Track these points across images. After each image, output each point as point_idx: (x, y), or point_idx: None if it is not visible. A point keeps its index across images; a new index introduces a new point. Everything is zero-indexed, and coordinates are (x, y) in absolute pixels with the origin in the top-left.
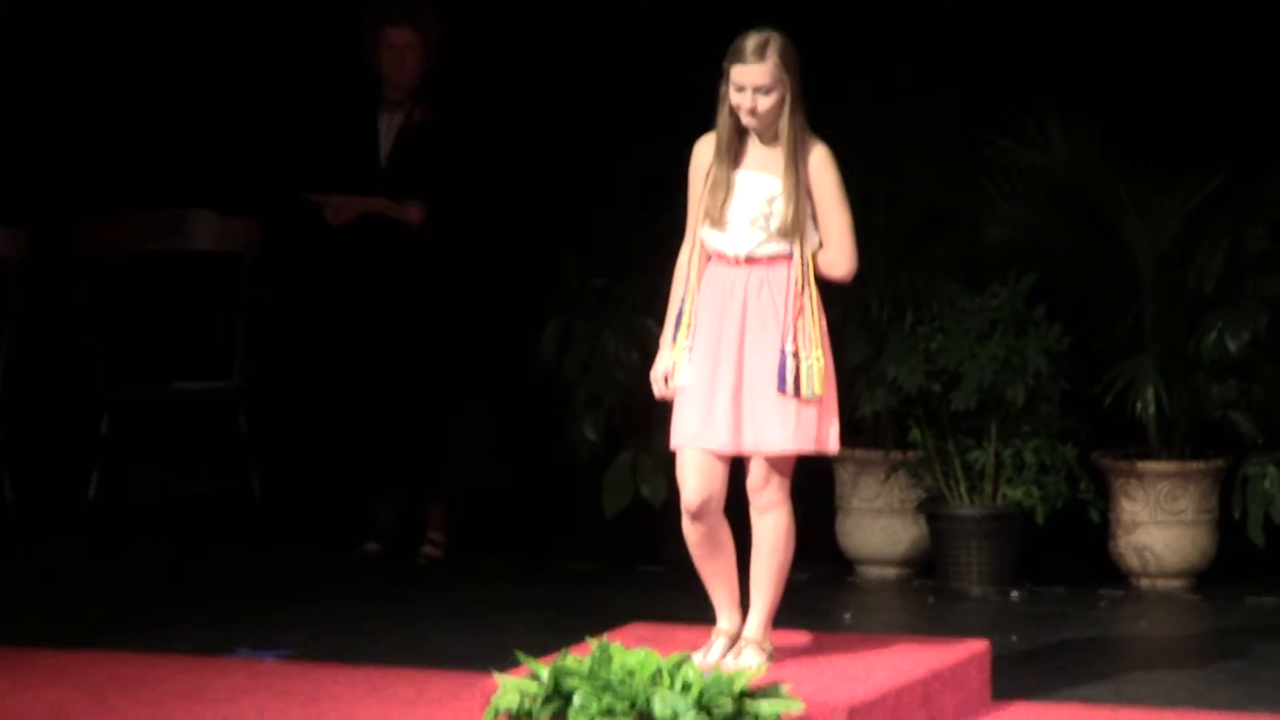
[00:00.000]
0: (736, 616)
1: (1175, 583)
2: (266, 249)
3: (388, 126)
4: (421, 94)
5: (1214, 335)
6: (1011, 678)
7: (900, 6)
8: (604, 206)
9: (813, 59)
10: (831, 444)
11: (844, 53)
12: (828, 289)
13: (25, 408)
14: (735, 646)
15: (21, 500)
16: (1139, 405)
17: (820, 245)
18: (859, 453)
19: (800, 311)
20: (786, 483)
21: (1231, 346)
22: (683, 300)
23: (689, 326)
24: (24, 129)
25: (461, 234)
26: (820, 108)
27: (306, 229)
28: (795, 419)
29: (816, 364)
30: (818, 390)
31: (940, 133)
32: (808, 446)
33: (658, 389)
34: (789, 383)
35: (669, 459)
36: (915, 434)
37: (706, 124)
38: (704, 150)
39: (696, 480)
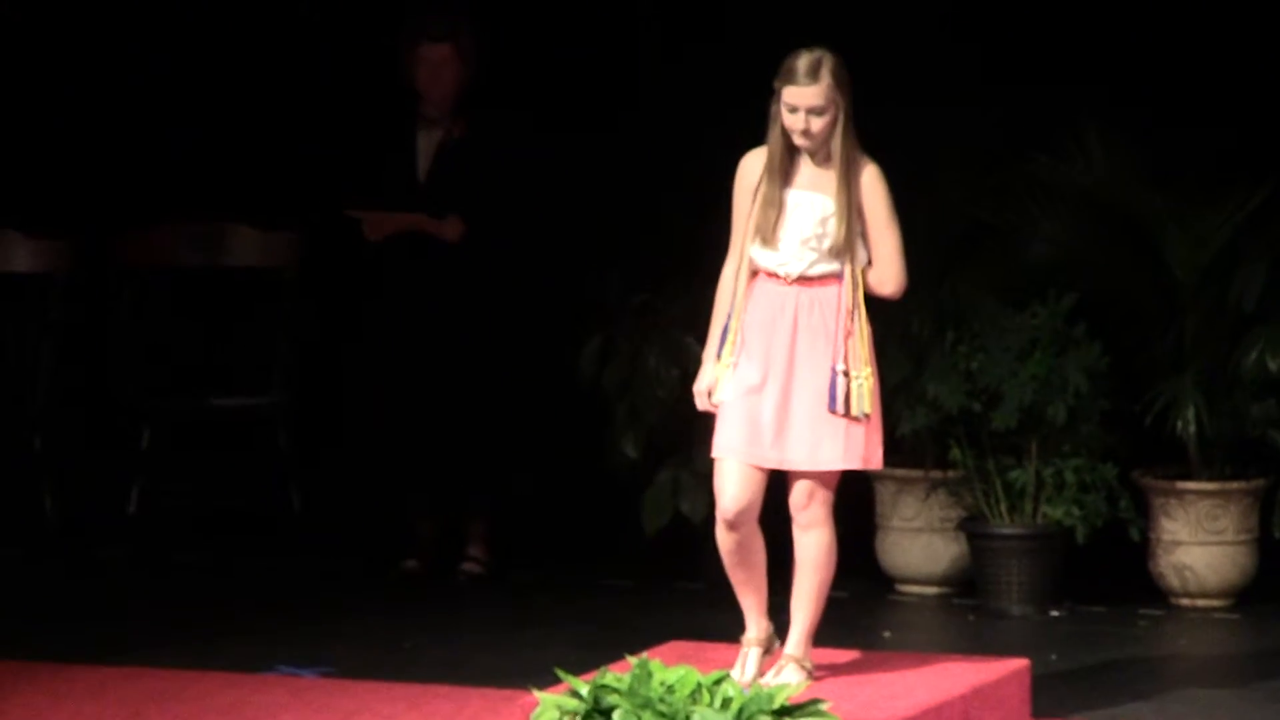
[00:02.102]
0: (765, 623)
1: (1215, 602)
2: (306, 265)
3: (426, 143)
4: (459, 110)
5: (1255, 354)
6: (1051, 696)
7: (940, 19)
8: (645, 222)
9: (853, 73)
10: (876, 462)
11: (884, 67)
12: (867, 306)
13: (65, 422)
14: (775, 664)
15: (61, 514)
16: (1179, 424)
17: (869, 262)
18: (899, 471)
19: (850, 331)
20: (830, 500)
21: (1272, 366)
22: (729, 316)
23: (734, 343)
24: (64, 144)
25: (500, 250)
26: (860, 122)
27: (346, 245)
28: (845, 437)
29: (866, 382)
30: (867, 409)
31: (981, 148)
32: (856, 464)
33: (700, 403)
34: (839, 401)
35: (710, 476)
36: (955, 453)
37: (749, 138)
38: (751, 166)
39: (735, 489)
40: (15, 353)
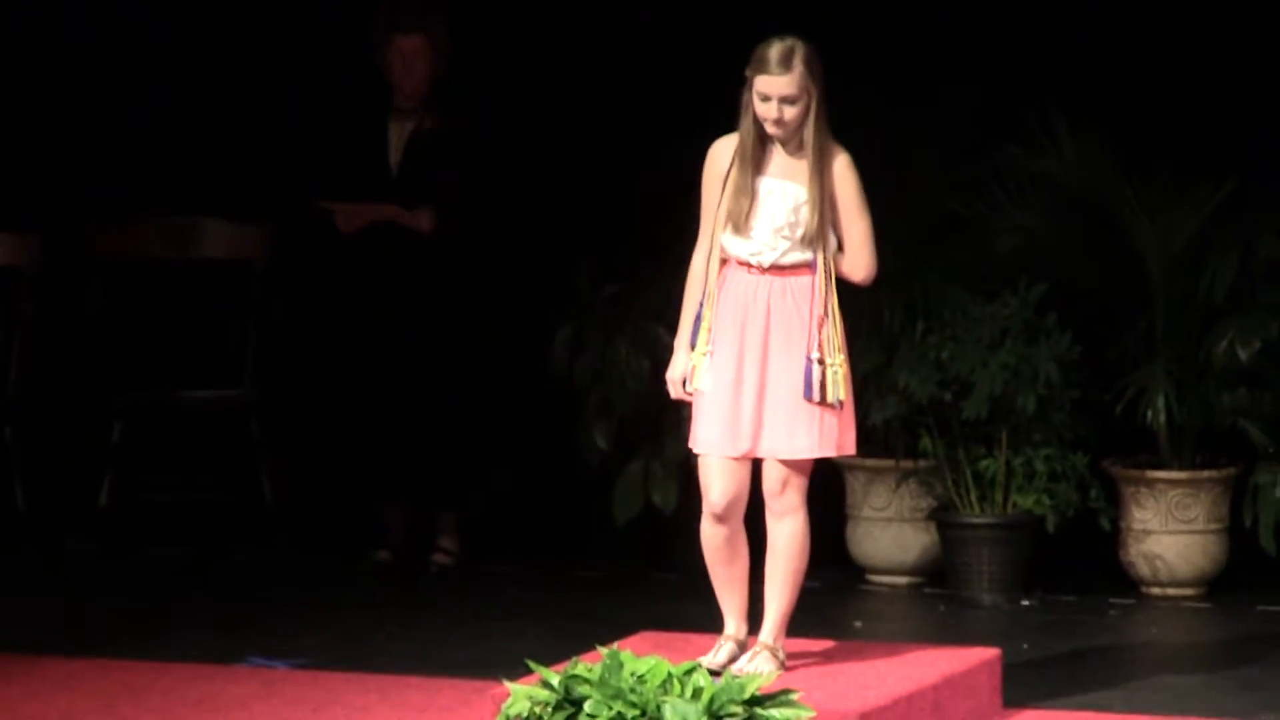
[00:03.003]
0: (745, 625)
1: (1186, 591)
2: (278, 257)
3: (398, 134)
4: (432, 101)
5: (1225, 343)
6: (1022, 685)
7: (910, 10)
8: (616, 213)
9: (825, 65)
10: (850, 448)
11: (853, 57)
12: (839, 299)
13: (37, 413)
14: (748, 651)
15: (32, 506)
16: (1150, 413)
17: (839, 249)
18: (870, 461)
19: (824, 319)
20: (804, 487)
21: (1242, 355)
22: (700, 304)
23: (709, 330)
24: (36, 136)
25: (472, 241)
26: (831, 113)
27: (318, 237)
28: (820, 424)
29: (841, 369)
30: (842, 395)
31: (951, 139)
32: (830, 451)
33: (674, 391)
34: (815, 389)
35: (680, 466)
36: (926, 442)
37: (717, 129)
38: (721, 152)
39: (723, 484)
40: None
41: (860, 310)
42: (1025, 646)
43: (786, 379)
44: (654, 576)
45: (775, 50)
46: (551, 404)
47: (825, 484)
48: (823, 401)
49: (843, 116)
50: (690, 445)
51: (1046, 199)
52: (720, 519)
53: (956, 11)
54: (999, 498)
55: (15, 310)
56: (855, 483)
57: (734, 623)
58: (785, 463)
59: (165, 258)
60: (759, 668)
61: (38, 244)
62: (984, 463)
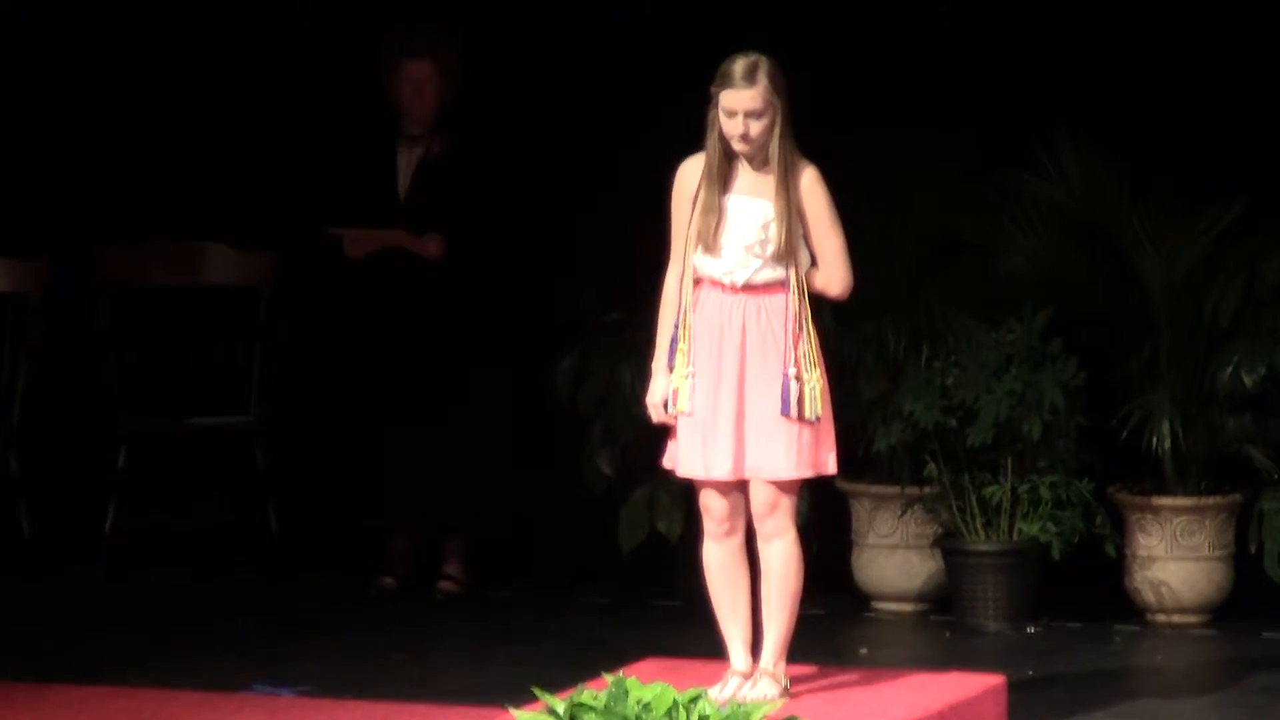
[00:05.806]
0: (750, 657)
1: (1191, 618)
2: (283, 283)
3: (406, 159)
4: (440, 127)
5: (1230, 369)
6: (1027, 712)
7: (915, 36)
8: (621, 240)
9: (825, 88)
10: (830, 467)
11: (857, 82)
12: (843, 325)
13: (42, 440)
14: (750, 679)
15: (37, 532)
16: (1155, 440)
17: (813, 264)
18: (875, 488)
19: (799, 336)
20: (793, 508)
21: (1248, 380)
22: (676, 326)
23: (686, 352)
24: (40, 162)
25: (479, 267)
26: (834, 138)
27: (324, 263)
28: (797, 444)
29: (818, 384)
30: (820, 411)
31: (955, 165)
32: (808, 472)
33: (656, 415)
34: (792, 405)
35: (685, 494)
36: (931, 469)
37: None
38: (690, 173)
39: (721, 502)
40: None
41: (864, 336)
42: (1030, 673)
43: (765, 399)
44: (659, 603)
45: (739, 65)
46: (556, 431)
47: (830, 511)
48: (800, 418)
49: (849, 143)
50: (665, 464)
51: (1051, 224)
52: (722, 537)
53: (960, 37)
54: (1004, 524)
55: (20, 336)
56: (860, 509)
57: (739, 656)
58: (771, 484)
59: (171, 284)
60: (762, 693)
61: (43, 270)
62: (989, 489)
